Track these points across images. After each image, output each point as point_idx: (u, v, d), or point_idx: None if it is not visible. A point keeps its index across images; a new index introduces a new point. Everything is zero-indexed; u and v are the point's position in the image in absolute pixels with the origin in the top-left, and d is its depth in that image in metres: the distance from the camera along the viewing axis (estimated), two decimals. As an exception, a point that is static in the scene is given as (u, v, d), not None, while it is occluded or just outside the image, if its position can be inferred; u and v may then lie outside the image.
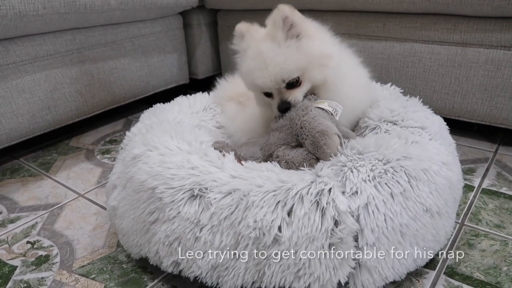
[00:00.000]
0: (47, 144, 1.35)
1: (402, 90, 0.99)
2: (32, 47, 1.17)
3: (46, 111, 1.22)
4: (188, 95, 1.06)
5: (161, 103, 1.00)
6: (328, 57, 0.74)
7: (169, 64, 1.60)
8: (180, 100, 1.03)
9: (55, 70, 1.23)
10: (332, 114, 0.72)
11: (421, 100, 0.93)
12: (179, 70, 1.66)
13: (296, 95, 0.73)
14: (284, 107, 0.73)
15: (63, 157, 1.25)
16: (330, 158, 0.66)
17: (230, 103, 0.99)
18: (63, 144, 1.35)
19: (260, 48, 0.71)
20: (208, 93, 1.09)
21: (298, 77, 0.72)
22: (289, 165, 0.69)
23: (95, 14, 1.22)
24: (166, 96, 1.60)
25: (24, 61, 1.16)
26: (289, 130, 0.71)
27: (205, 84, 1.58)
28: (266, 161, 0.71)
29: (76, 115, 1.32)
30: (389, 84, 1.01)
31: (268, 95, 0.76)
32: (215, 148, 0.73)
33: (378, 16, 1.26)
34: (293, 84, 0.72)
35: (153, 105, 0.99)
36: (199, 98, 1.05)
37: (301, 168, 0.67)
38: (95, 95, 1.35)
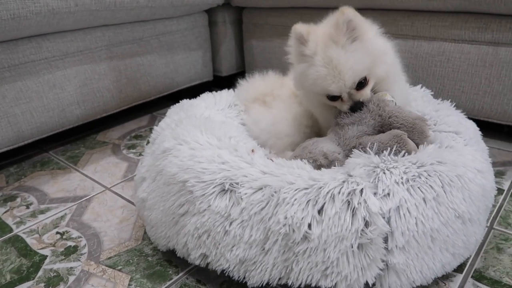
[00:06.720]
0: (75, 138, 1.38)
1: (432, 92, 0.97)
2: (63, 43, 1.19)
3: (75, 105, 1.25)
4: (213, 92, 1.06)
5: (187, 99, 1.01)
6: (385, 54, 0.77)
7: (194, 61, 1.61)
8: (206, 97, 1.03)
9: (84, 66, 1.26)
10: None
11: (450, 100, 0.92)
12: (204, 67, 1.67)
13: (366, 93, 0.76)
14: (358, 107, 0.76)
15: (90, 151, 1.28)
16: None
17: (255, 104, 0.98)
18: (90, 138, 1.38)
19: (329, 54, 0.72)
20: (233, 90, 1.09)
21: (365, 76, 0.75)
22: (377, 145, 0.69)
23: (124, 11, 1.24)
24: (190, 93, 1.61)
25: (56, 57, 1.19)
26: (371, 122, 0.75)
27: (228, 82, 1.59)
28: (347, 156, 0.72)
29: (103, 110, 1.35)
30: (419, 86, 0.99)
31: (334, 98, 0.77)
32: (309, 159, 0.71)
33: (406, 14, 1.24)
34: (362, 83, 0.75)
35: (179, 101, 1.00)
36: (225, 95, 1.05)
37: (389, 146, 0.68)
38: (122, 91, 1.38)
